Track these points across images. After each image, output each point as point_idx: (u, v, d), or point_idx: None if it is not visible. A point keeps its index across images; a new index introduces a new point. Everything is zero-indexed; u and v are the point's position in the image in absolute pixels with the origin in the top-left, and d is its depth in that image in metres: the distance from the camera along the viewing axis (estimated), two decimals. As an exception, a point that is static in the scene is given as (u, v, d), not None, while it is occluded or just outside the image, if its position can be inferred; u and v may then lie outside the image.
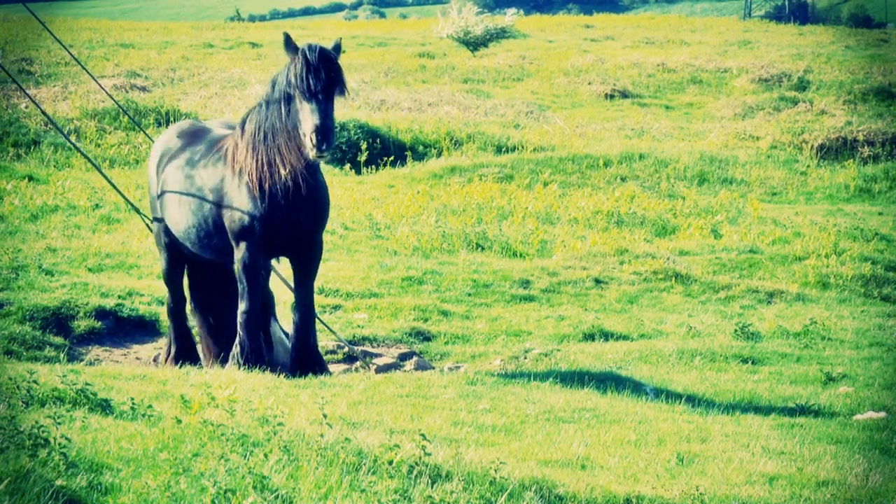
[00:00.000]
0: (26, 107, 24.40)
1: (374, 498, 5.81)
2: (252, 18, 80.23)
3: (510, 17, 42.07)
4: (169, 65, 34.21)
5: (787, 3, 77.96)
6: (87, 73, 12.33)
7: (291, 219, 9.36)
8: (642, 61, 37.62)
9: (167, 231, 10.18)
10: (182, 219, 9.83)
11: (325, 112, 8.92)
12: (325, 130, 8.86)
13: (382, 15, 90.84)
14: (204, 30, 50.22)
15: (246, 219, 9.34)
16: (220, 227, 9.57)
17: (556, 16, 65.55)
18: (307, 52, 9.04)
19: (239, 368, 9.46)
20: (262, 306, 10.05)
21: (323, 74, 8.98)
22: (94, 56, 35.50)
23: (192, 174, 9.74)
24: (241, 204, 9.37)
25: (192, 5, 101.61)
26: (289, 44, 9.13)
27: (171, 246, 10.23)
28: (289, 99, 9.12)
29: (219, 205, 9.53)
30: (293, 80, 9.00)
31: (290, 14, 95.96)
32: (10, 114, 23.62)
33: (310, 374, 9.49)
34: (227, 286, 10.52)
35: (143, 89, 28.98)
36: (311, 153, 8.92)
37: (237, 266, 9.48)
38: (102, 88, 12.92)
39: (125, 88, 28.38)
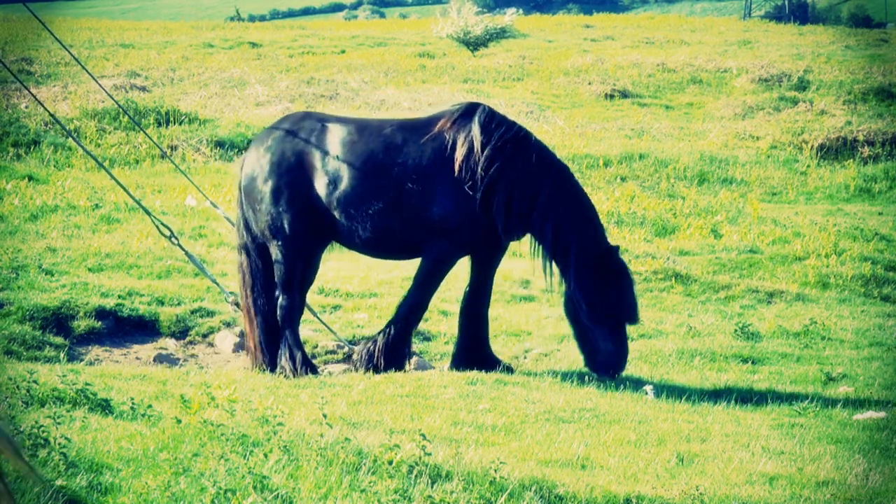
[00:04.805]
0: (26, 107, 24.38)
1: (374, 498, 5.81)
2: (252, 18, 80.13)
3: (510, 17, 41.97)
4: (169, 65, 34.18)
5: (786, 3, 77.86)
6: (87, 73, 12.33)
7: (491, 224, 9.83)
8: (642, 61, 37.56)
9: (301, 228, 10.13)
10: (366, 212, 9.88)
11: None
12: (625, 356, 9.98)
13: (382, 15, 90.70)
14: (204, 30, 50.18)
15: (462, 219, 9.70)
16: (419, 222, 9.77)
17: (556, 16, 65.43)
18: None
19: (374, 361, 9.82)
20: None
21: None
22: (94, 56, 35.48)
23: (394, 169, 9.85)
24: (457, 203, 9.69)
25: (192, 5, 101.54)
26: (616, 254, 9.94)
27: (306, 245, 10.28)
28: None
29: (430, 200, 9.76)
30: (620, 299, 9.81)
31: (290, 14, 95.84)
32: (10, 114, 23.59)
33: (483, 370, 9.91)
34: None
35: (143, 89, 28.95)
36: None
37: (435, 259, 9.83)
38: (102, 88, 12.92)
39: (125, 88, 28.34)
